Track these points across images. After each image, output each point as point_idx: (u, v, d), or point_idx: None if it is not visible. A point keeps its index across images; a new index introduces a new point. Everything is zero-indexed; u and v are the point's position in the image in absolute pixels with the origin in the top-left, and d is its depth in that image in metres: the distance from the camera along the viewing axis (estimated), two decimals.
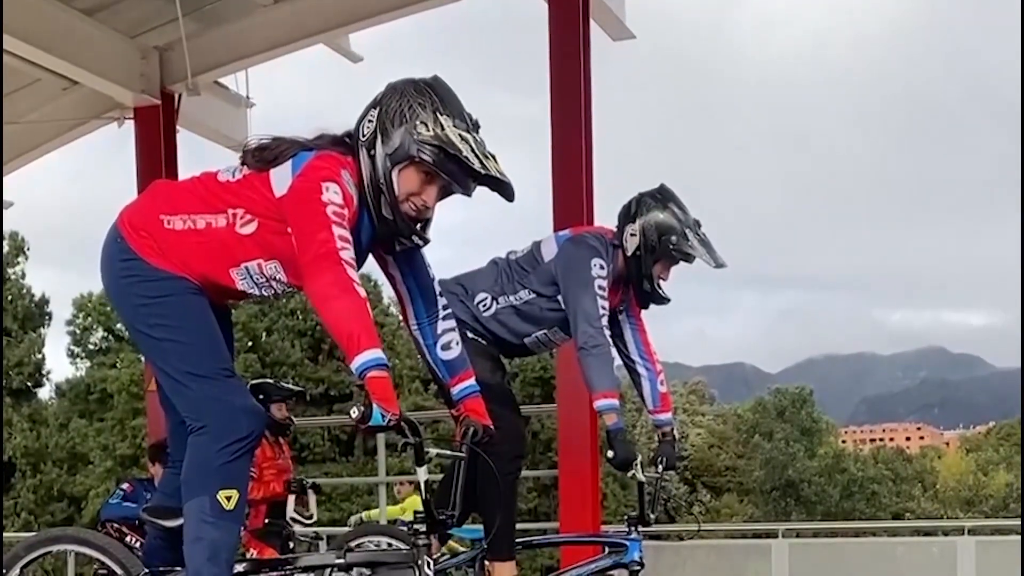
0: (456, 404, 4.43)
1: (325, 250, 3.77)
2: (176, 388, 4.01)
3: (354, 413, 3.71)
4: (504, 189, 4.00)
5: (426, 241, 4.14)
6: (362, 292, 3.77)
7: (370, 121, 3.99)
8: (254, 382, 9.23)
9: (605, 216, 6.09)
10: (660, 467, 5.81)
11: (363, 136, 4.00)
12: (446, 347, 4.37)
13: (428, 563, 4.07)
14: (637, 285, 5.79)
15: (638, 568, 5.60)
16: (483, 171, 3.91)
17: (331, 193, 3.85)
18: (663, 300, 5.84)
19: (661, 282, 5.79)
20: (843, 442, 72.47)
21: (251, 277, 4.05)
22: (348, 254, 3.80)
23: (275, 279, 4.06)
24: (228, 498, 3.92)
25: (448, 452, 4.26)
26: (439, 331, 4.36)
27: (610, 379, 5.59)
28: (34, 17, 9.39)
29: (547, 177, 9.13)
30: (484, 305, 5.74)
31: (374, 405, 3.69)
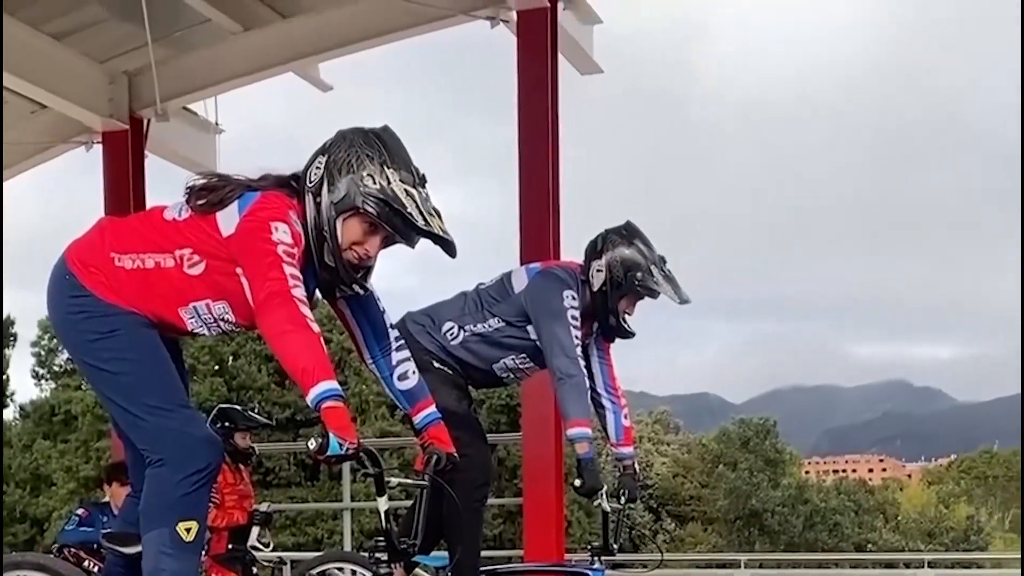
0: (420, 432, 4.46)
1: (278, 288, 3.80)
2: (132, 421, 4.00)
3: (311, 444, 3.72)
4: (447, 246, 4.05)
5: (366, 290, 4.20)
6: (315, 328, 3.80)
7: (318, 167, 4.02)
8: (221, 406, 9.19)
9: (574, 250, 6.15)
10: (622, 499, 5.86)
11: (310, 182, 4.02)
12: (403, 377, 4.43)
13: None
14: (603, 320, 5.89)
15: None
16: (426, 228, 3.95)
17: (280, 233, 3.88)
18: (628, 334, 5.95)
19: (626, 316, 5.90)
20: (806, 473, 72.47)
21: (199, 317, 4.07)
22: (300, 292, 3.83)
23: (223, 319, 4.08)
24: (188, 530, 3.92)
25: (411, 481, 4.28)
26: (394, 362, 4.41)
27: (584, 409, 5.67)
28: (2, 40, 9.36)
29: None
30: (451, 334, 5.80)
31: (331, 435, 3.71)
